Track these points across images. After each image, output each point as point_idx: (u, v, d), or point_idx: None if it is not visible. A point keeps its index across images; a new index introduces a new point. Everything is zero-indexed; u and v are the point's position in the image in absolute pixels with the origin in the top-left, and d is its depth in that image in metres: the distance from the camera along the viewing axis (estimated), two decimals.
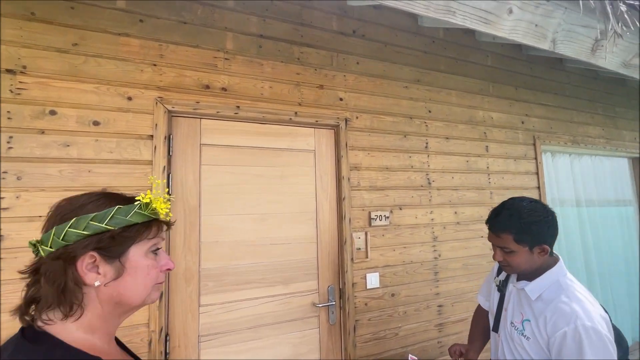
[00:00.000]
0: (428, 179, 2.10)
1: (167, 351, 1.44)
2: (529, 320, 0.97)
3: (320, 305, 1.73)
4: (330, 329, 1.77)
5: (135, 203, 0.58)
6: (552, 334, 0.90)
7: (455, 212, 2.16)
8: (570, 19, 1.52)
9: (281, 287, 1.68)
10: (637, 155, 3.29)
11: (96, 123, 1.39)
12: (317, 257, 1.78)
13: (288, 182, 1.75)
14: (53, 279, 0.51)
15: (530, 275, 1.01)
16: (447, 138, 2.20)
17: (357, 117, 1.92)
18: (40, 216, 1.26)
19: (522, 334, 0.98)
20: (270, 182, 1.71)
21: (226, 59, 1.65)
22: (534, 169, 2.54)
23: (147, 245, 0.59)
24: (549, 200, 2.68)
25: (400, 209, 1.98)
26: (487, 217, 1.07)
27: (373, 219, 1.88)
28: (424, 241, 2.04)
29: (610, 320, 0.93)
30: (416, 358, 1.69)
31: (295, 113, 1.75)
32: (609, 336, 0.86)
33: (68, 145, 1.35)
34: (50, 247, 0.52)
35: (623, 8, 1.33)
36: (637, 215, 3.36)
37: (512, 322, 1.03)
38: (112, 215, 0.55)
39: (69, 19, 1.39)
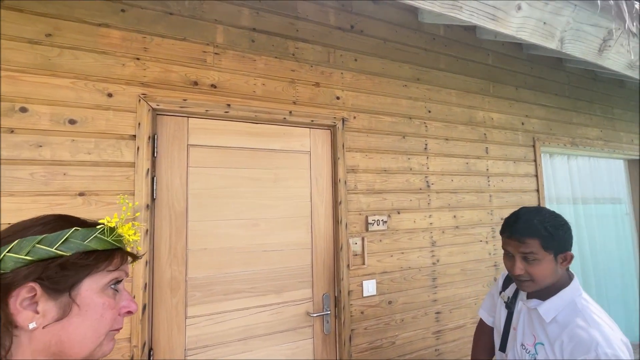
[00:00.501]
0: (427, 181, 2.02)
1: None
2: (543, 344, 0.90)
3: (314, 315, 1.65)
4: (325, 339, 1.69)
5: (98, 227, 0.49)
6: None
7: (454, 216, 2.10)
8: (579, 17, 1.45)
9: (273, 296, 1.60)
10: (634, 157, 3.27)
11: (72, 121, 1.28)
12: (312, 264, 1.69)
13: (282, 185, 1.66)
14: None
15: (542, 293, 0.94)
16: (446, 139, 2.12)
17: (354, 117, 1.83)
18: (9, 223, 1.15)
19: (535, 358, 0.91)
20: (262, 185, 1.62)
21: (216, 53, 1.54)
22: (534, 172, 2.49)
23: (105, 279, 0.48)
24: (547, 198, 2.64)
25: (399, 213, 1.91)
26: (502, 227, 0.99)
27: (370, 223, 1.80)
28: (422, 246, 1.97)
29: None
30: None
31: (290, 112, 1.66)
32: None
33: (41, 146, 1.23)
34: None
35: (638, 6, 1.27)
36: (631, 213, 3.35)
37: (522, 344, 0.96)
38: (67, 237, 0.45)
39: (42, 6, 1.27)
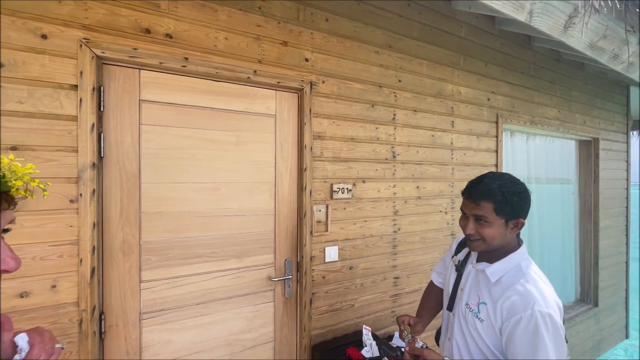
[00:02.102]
0: (393, 152, 2.04)
1: (103, 330, 1.30)
2: (485, 304, 0.96)
3: (276, 279, 1.67)
4: (286, 302, 1.72)
5: None
6: (507, 319, 0.89)
7: (417, 187, 2.15)
8: None
9: (234, 260, 1.58)
10: (585, 139, 3.50)
11: (0, 65, 1.12)
12: (275, 230, 1.68)
13: (244, 149, 1.59)
14: None
15: (491, 257, 0.99)
16: (415, 111, 2.13)
17: (323, 82, 1.77)
18: None
19: (477, 316, 0.97)
20: (223, 148, 1.55)
21: None
22: (494, 147, 2.59)
23: None
24: None
25: (364, 182, 1.92)
26: (464, 188, 1.02)
27: (335, 191, 1.80)
28: (385, 215, 2.01)
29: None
30: (369, 329, 1.72)
31: (255, 71, 1.56)
32: (561, 323, 0.87)
33: None
34: None
35: None
36: (576, 191, 3.65)
37: (467, 304, 1.02)
38: None
39: None
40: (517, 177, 1.00)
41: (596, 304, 3.54)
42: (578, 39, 1.72)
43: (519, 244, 1.01)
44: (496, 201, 0.94)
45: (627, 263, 4.00)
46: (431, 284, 1.33)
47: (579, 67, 3.25)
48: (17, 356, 0.48)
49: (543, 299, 0.87)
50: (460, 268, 1.11)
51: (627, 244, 4.00)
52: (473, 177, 1.04)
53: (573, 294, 3.65)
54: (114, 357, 1.33)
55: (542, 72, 2.93)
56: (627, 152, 4.00)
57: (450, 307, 1.11)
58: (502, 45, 2.61)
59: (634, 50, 1.96)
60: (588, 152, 3.59)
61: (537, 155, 3.22)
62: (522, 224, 0.96)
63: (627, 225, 3.99)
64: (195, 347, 1.49)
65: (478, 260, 1.04)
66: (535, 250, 3.24)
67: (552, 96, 3.03)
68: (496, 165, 2.60)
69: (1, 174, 0.43)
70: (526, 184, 0.98)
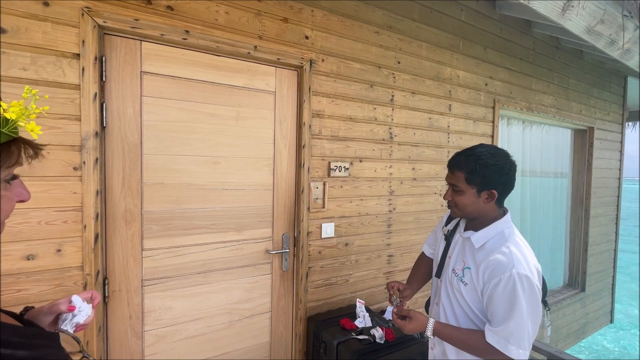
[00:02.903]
0: (390, 133, 2.07)
1: (106, 295, 1.36)
2: (470, 268, 1.01)
3: (273, 252, 1.72)
4: (283, 275, 1.78)
5: None
6: (488, 281, 0.93)
7: (413, 168, 2.20)
8: None
9: (234, 233, 1.63)
10: (581, 128, 3.54)
11: (2, 30, 1.13)
12: (273, 205, 1.73)
13: (244, 124, 1.62)
14: None
15: (478, 225, 1.04)
16: (413, 93, 2.15)
17: (322, 60, 1.78)
18: None
19: (461, 280, 1.03)
20: (224, 123, 1.57)
21: None
22: (490, 132, 2.62)
23: (1, 175, 0.44)
24: None
25: (361, 161, 1.96)
26: None
27: (332, 169, 1.84)
28: (380, 194, 2.06)
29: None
30: (363, 302, 1.78)
31: (255, 47, 1.57)
32: (539, 287, 0.91)
33: None
34: None
35: None
36: (569, 179, 3.71)
37: (453, 269, 1.08)
38: None
39: None
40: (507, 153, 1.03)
41: (583, 289, 3.66)
42: (575, 23, 1.73)
43: (503, 212, 1.05)
44: (467, 171, 0.99)
45: (615, 251, 4.11)
46: (422, 254, 1.39)
47: (577, 55, 3.27)
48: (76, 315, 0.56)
49: (522, 262, 0.91)
50: (449, 237, 1.16)
51: (616, 232, 4.09)
52: None
53: (562, 279, 3.75)
54: (118, 320, 1.39)
55: (540, 59, 2.94)
56: (622, 142, 4.06)
57: (438, 275, 1.17)
58: (501, 30, 2.62)
59: (631, 36, 1.99)
60: (583, 140, 3.64)
61: (533, 147, 3.26)
62: (495, 196, 0.98)
63: (617, 215, 4.08)
64: (195, 314, 1.55)
65: (465, 230, 1.10)
66: (526, 236, 3.32)
67: (550, 84, 3.05)
68: None
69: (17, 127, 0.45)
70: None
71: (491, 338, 0.92)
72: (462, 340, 0.98)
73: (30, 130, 0.47)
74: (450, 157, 1.09)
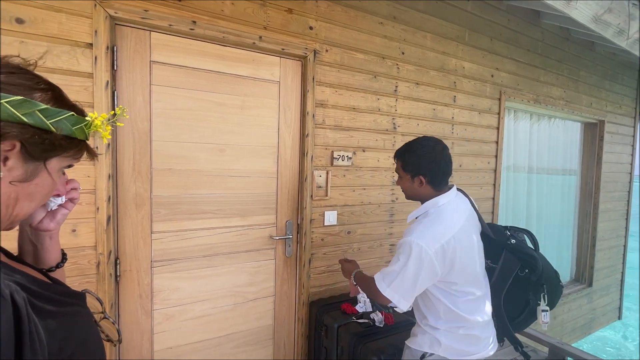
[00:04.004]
0: (394, 123, 2.09)
1: (118, 274, 1.43)
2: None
3: (277, 238, 1.77)
4: (286, 260, 1.83)
5: (87, 118, 0.51)
6: (397, 248, 1.11)
7: None
8: None
9: (238, 219, 1.68)
10: (591, 121, 3.49)
11: (20, 21, 1.19)
12: (277, 192, 1.78)
13: (250, 113, 1.67)
14: None
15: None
16: (417, 83, 2.16)
17: (326, 50, 1.81)
18: None
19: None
20: (230, 112, 1.62)
21: None
22: (496, 124, 2.61)
23: (65, 163, 0.52)
24: (504, 167, 2.82)
25: (364, 151, 1.99)
26: None
27: (335, 158, 1.87)
28: (383, 184, 2.09)
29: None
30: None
31: (260, 37, 1.61)
32: (431, 255, 1.01)
33: None
34: None
35: None
36: (579, 183, 3.66)
37: None
38: (62, 118, 0.47)
39: None
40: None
41: (590, 284, 3.63)
42: (581, 11, 1.72)
43: (435, 195, 1.15)
44: (402, 160, 1.18)
45: (625, 247, 4.05)
46: None
47: (588, 46, 3.21)
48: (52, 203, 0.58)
49: (422, 234, 1.04)
50: None
51: (626, 228, 4.03)
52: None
53: (568, 273, 3.73)
54: (128, 299, 1.46)
55: (549, 51, 2.91)
56: (634, 136, 3.98)
57: None
58: (509, 21, 2.59)
59: None
60: (593, 134, 3.58)
61: (540, 143, 3.22)
62: (423, 182, 1.13)
63: (627, 210, 4.02)
64: (202, 295, 1.61)
65: None
66: (532, 231, 3.30)
67: (559, 75, 3.01)
68: (497, 142, 2.64)
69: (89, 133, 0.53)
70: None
71: (376, 275, 1.13)
72: (366, 282, 1.23)
73: (102, 136, 0.56)
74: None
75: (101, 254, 1.35)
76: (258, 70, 1.67)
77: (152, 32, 1.43)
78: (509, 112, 2.87)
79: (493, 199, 2.68)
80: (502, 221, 2.92)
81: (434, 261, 1.02)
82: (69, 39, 1.26)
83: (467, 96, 2.41)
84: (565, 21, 2.60)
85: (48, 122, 0.46)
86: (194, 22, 1.47)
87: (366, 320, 1.63)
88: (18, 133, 0.44)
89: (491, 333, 1.19)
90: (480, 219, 1.24)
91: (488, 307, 1.18)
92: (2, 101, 0.42)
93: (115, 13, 1.32)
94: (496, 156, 2.66)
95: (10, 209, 0.48)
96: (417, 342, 1.19)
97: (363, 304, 1.76)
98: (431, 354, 1.14)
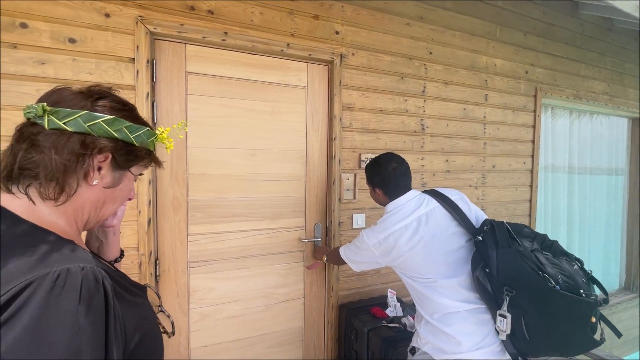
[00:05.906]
0: (422, 124, 2.06)
1: (158, 274, 1.51)
2: None
3: (306, 241, 1.79)
4: None
5: (158, 132, 0.62)
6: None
7: (447, 160, 2.16)
8: None
9: (269, 222, 1.72)
10: (637, 116, 3.23)
11: (72, 40, 1.30)
12: (305, 196, 1.80)
13: (278, 118, 1.71)
14: (66, 154, 0.48)
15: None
16: (446, 83, 2.12)
17: (353, 54, 1.82)
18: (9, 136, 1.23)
19: None
20: (260, 118, 1.67)
21: None
22: (532, 122, 2.49)
23: (139, 170, 0.62)
24: (541, 167, 2.68)
25: None
26: None
27: (363, 161, 1.87)
28: (412, 187, 2.05)
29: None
30: (394, 292, 1.80)
31: (288, 44, 1.65)
32: (369, 245, 1.22)
33: (44, 63, 1.27)
34: (65, 124, 0.48)
35: None
36: (627, 183, 3.39)
37: None
38: (140, 133, 0.57)
39: None
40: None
41: None
42: (627, 0, 1.61)
43: (389, 201, 1.31)
44: (365, 174, 1.38)
45: None
46: None
47: (634, 36, 2.98)
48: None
49: (371, 228, 1.26)
50: None
51: None
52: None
53: (617, 281, 3.45)
54: (167, 297, 1.54)
55: (590, 43, 2.73)
56: None
57: None
58: (544, 14, 2.47)
59: None
60: None
61: (582, 140, 3.01)
62: (380, 192, 1.32)
63: None
64: (235, 295, 1.66)
65: None
66: (574, 236, 3.08)
67: (602, 69, 2.82)
68: (533, 141, 2.51)
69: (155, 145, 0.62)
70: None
71: (341, 248, 1.41)
72: (335, 254, 1.46)
73: (167, 147, 0.66)
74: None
75: (143, 254, 1.44)
76: (286, 76, 1.71)
77: (187, 45, 1.51)
78: (546, 109, 2.72)
79: (530, 200, 2.55)
80: (540, 224, 2.76)
81: (372, 250, 1.23)
82: (114, 55, 1.37)
83: (499, 94, 2.33)
84: (607, 11, 2.45)
85: (132, 137, 0.55)
86: (226, 32, 1.53)
87: (397, 325, 1.60)
88: (110, 146, 0.53)
89: (481, 335, 1.12)
90: (459, 215, 1.25)
91: (463, 294, 1.15)
92: (100, 120, 0.51)
93: (155, 29, 1.41)
94: (532, 156, 2.53)
95: (99, 210, 0.57)
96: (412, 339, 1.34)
97: (393, 308, 1.73)
98: (418, 349, 1.26)
